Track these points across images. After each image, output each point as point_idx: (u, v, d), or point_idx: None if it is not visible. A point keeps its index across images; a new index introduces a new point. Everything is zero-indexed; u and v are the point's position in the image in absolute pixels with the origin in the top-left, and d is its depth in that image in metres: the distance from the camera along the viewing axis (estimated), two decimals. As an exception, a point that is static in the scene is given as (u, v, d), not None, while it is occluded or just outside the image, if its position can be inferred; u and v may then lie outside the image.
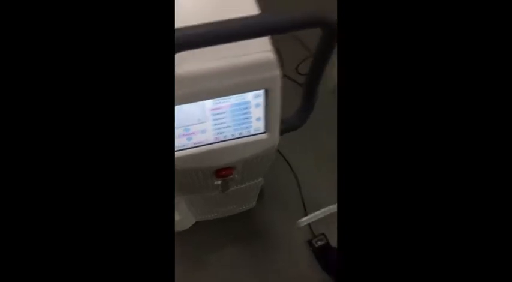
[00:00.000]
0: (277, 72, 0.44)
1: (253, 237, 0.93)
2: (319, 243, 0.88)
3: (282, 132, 0.51)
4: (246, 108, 0.47)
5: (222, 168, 0.52)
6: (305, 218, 0.37)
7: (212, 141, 0.49)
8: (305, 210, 0.94)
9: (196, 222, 0.87)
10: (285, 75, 1.16)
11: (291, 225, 0.94)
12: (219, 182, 0.57)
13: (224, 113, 0.47)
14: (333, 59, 1.22)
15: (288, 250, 0.90)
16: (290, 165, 1.01)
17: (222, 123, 0.48)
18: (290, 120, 0.52)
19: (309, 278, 0.88)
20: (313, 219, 0.33)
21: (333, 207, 0.31)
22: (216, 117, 0.47)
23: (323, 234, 0.89)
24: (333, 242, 0.88)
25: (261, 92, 0.45)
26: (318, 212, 0.31)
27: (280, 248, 0.91)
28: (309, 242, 0.89)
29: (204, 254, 0.90)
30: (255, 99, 0.46)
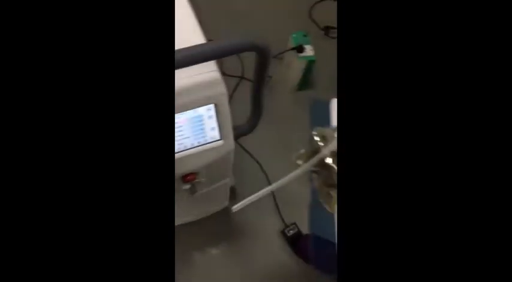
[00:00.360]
0: (223, 88, 0.51)
1: (231, 234, 1.00)
2: (291, 232, 0.96)
3: (236, 137, 0.59)
4: (200, 120, 0.54)
5: (186, 174, 0.59)
6: (238, 204, 0.44)
7: (175, 152, 0.56)
8: (275, 202, 1.02)
9: (176, 225, 0.93)
10: (246, 78, 1.24)
11: (264, 219, 1.02)
12: (188, 186, 0.64)
13: (182, 126, 0.54)
14: (286, 62, 1.30)
15: (265, 241, 0.98)
16: (258, 163, 1.09)
17: (181, 135, 0.55)
18: (242, 126, 0.60)
19: (286, 264, 0.96)
20: (246, 203, 0.40)
21: (264, 191, 0.38)
22: (175, 131, 0.54)
23: (294, 223, 0.98)
24: (304, 230, 0.97)
25: (212, 105, 0.53)
26: (251, 197, 0.38)
27: (257, 241, 0.98)
28: (282, 232, 0.97)
29: (187, 254, 0.96)
30: (207, 112, 0.53)
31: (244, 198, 1.06)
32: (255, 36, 0.47)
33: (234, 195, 0.96)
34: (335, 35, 1.34)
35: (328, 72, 1.24)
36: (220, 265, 0.95)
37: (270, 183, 1.04)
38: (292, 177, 0.35)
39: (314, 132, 0.39)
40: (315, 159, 0.35)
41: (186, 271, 0.93)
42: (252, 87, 0.56)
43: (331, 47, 1.32)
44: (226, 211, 1.00)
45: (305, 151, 0.41)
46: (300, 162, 0.41)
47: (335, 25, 1.34)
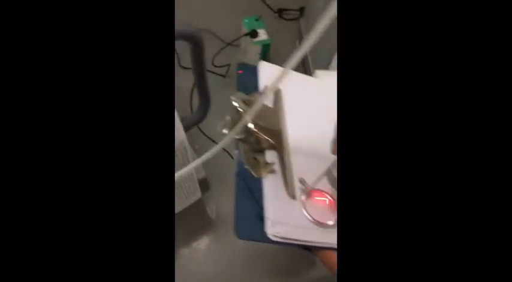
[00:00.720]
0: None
1: (211, 225, 1.01)
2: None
3: (187, 128, 0.60)
4: (145, 115, 0.54)
5: (143, 170, 0.60)
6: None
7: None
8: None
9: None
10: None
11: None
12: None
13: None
14: (243, 48, 1.30)
15: (243, 227, 1.00)
16: (227, 152, 1.10)
17: (129, 133, 0.55)
18: (191, 117, 0.61)
19: (267, 245, 0.99)
20: (179, 176, 0.37)
21: (189, 168, 0.36)
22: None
23: (269, 205, 1.00)
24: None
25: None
26: (185, 168, 0.35)
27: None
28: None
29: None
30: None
31: (217, 189, 1.06)
32: (184, 25, 0.47)
33: (207, 187, 0.98)
34: (289, 16, 1.36)
35: (284, 54, 1.25)
36: (203, 255, 0.96)
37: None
38: (218, 148, 0.34)
39: (233, 98, 0.38)
40: (238, 127, 0.33)
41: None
42: (195, 79, 0.57)
43: (285, 28, 1.34)
44: (200, 203, 1.01)
45: (230, 118, 0.40)
46: (225, 130, 0.40)
47: (288, 7, 1.36)
